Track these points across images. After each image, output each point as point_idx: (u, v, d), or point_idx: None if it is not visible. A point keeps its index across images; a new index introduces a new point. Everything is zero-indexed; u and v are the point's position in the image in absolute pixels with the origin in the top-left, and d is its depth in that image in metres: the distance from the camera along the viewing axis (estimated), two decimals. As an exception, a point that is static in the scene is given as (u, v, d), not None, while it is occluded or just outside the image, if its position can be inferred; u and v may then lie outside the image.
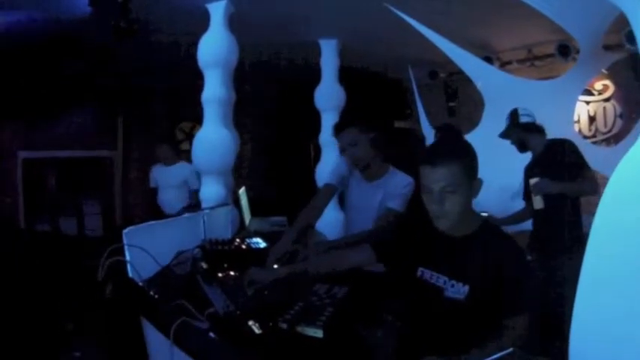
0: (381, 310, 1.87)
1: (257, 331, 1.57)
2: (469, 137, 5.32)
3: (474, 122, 5.45)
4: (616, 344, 1.08)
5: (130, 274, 2.15)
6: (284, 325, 1.62)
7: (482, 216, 1.84)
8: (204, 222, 3.15)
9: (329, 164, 4.98)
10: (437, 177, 1.67)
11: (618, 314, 1.08)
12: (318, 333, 1.58)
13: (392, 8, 4.32)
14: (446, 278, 1.76)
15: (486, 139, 4.74)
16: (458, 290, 1.71)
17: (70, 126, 7.32)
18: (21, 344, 3.70)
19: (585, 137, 5.80)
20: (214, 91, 4.64)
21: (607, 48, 4.71)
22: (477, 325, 1.59)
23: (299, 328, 1.61)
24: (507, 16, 4.89)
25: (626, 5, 1.59)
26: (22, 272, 4.96)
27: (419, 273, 1.85)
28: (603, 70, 5.45)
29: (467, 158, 1.72)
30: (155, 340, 1.88)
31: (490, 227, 1.79)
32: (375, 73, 7.22)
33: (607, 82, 5.76)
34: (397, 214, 2.81)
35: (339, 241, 3.01)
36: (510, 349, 1.19)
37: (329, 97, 5.90)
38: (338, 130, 3.00)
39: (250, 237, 3.12)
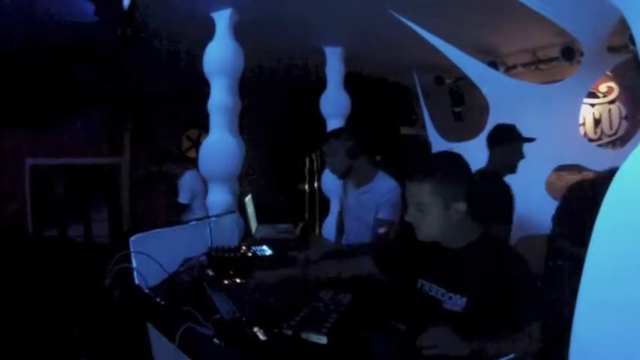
0: (385, 317, 1.87)
1: (262, 337, 1.58)
2: (475, 143, 5.32)
3: (480, 128, 5.44)
4: (618, 346, 1.07)
5: (137, 281, 2.17)
6: (289, 332, 1.63)
7: (480, 227, 1.81)
8: (210, 229, 3.17)
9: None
10: (411, 192, 1.73)
11: (620, 316, 1.08)
12: (323, 339, 1.59)
13: (396, 14, 4.34)
14: (444, 290, 1.76)
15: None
16: (455, 302, 1.71)
17: (78, 133, 7.34)
18: (28, 349, 3.73)
19: (591, 140, 5.78)
20: (220, 98, 4.67)
21: (611, 49, 4.69)
22: (475, 337, 1.57)
23: (303, 335, 1.62)
24: (511, 19, 4.89)
25: (626, 10, 1.60)
26: (29, 278, 5.00)
27: (419, 284, 1.85)
28: (608, 72, 5.44)
29: (445, 179, 1.69)
30: (161, 345, 1.90)
31: (489, 238, 1.78)
32: (380, 79, 7.23)
33: (612, 84, 5.74)
34: (387, 223, 2.89)
35: (339, 248, 3.11)
36: (512, 355, 1.19)
37: (334, 103, 5.93)
38: (323, 140, 3.12)
39: (256, 244, 3.14)
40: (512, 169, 3.45)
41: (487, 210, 3.01)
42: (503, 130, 3.52)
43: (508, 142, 3.43)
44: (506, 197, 3.29)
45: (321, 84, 6.01)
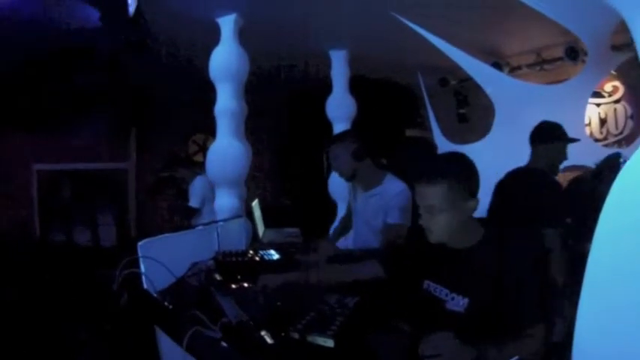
0: (392, 319, 1.88)
1: (269, 340, 1.59)
2: (481, 144, 5.32)
3: (485, 129, 5.44)
4: (619, 345, 1.08)
5: (145, 286, 2.19)
6: (295, 335, 1.64)
7: (484, 227, 1.80)
8: (218, 234, 3.18)
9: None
10: (423, 195, 1.72)
11: (621, 316, 1.08)
12: (329, 342, 1.60)
13: (400, 17, 4.35)
14: (447, 290, 1.76)
15: (498, 146, 4.76)
16: (458, 303, 1.71)
17: (84, 138, 7.39)
18: (35, 353, 3.76)
19: (597, 140, 5.77)
20: (226, 103, 4.69)
21: (615, 48, 4.68)
22: (477, 337, 1.57)
23: (310, 338, 1.63)
24: (515, 20, 4.90)
25: (625, 11, 1.60)
26: (36, 282, 5.04)
27: (424, 285, 1.86)
28: (612, 72, 5.43)
29: (458, 179, 1.70)
30: (168, 349, 1.91)
31: (492, 238, 1.76)
32: (385, 81, 7.22)
33: (617, 83, 5.73)
34: (396, 227, 2.84)
35: (346, 252, 3.13)
36: (516, 357, 1.19)
37: (340, 107, 5.95)
38: (328, 144, 3.12)
39: (264, 249, 3.15)
40: (555, 170, 3.26)
41: (536, 211, 2.80)
42: (548, 127, 3.29)
43: (552, 141, 3.23)
44: (558, 196, 3.07)
45: (326, 87, 6.02)
